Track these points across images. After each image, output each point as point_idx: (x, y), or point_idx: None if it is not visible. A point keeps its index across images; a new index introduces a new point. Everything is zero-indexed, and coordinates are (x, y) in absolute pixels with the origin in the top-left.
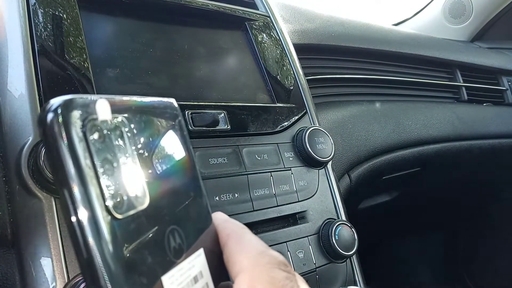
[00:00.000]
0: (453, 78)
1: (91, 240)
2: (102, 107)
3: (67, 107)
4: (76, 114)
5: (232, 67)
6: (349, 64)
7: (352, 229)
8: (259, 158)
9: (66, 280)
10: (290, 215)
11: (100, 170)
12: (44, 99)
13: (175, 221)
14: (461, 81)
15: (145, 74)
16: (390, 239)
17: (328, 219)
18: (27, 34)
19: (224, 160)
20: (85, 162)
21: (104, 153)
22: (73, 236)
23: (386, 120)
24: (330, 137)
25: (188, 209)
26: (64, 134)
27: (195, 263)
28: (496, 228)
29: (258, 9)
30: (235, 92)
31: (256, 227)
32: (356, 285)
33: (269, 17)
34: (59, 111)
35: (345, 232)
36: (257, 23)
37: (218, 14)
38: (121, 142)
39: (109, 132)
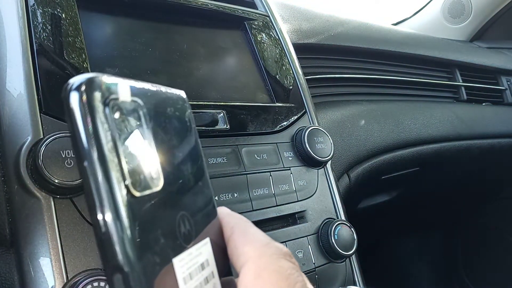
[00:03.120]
0: (453, 78)
1: (108, 215)
2: (123, 88)
3: (90, 85)
4: (99, 93)
5: (232, 66)
6: (349, 63)
7: (352, 229)
8: (259, 158)
9: (65, 280)
10: (290, 215)
11: (121, 148)
12: (43, 99)
13: (185, 207)
14: (461, 81)
15: (144, 73)
16: (389, 239)
17: (327, 218)
18: (26, 34)
19: (223, 160)
20: (107, 139)
21: (124, 133)
22: (92, 209)
23: (386, 119)
24: (330, 137)
25: (196, 197)
26: (87, 112)
27: (202, 251)
28: (496, 228)
29: (257, 9)
30: (234, 91)
31: None
32: (356, 285)
33: (268, 16)
34: (83, 88)
35: (344, 232)
36: (256, 23)
37: (217, 13)
38: (138, 124)
39: (128, 113)
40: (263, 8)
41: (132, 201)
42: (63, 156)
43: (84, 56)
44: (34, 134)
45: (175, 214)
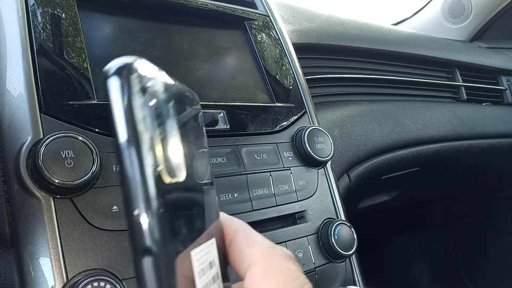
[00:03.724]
0: (452, 78)
1: (141, 197)
2: (159, 77)
3: (130, 70)
4: (137, 79)
5: (232, 66)
6: (349, 63)
7: (352, 228)
8: (259, 158)
9: (65, 280)
10: (290, 215)
11: (156, 135)
12: (43, 99)
13: (198, 203)
14: (460, 81)
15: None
16: (389, 239)
17: (327, 218)
18: (26, 34)
19: (223, 159)
20: (145, 124)
21: (159, 120)
22: (127, 191)
23: (385, 119)
24: (329, 137)
25: (207, 195)
26: (126, 96)
27: (210, 250)
28: (495, 228)
29: (257, 9)
30: (234, 91)
31: (255, 227)
32: (355, 285)
33: (268, 16)
34: (124, 73)
35: (344, 232)
36: (256, 23)
37: (217, 13)
38: (168, 114)
39: (160, 102)
40: (263, 8)
41: (163, 187)
42: (63, 156)
43: (84, 56)
44: (34, 134)
45: (192, 207)
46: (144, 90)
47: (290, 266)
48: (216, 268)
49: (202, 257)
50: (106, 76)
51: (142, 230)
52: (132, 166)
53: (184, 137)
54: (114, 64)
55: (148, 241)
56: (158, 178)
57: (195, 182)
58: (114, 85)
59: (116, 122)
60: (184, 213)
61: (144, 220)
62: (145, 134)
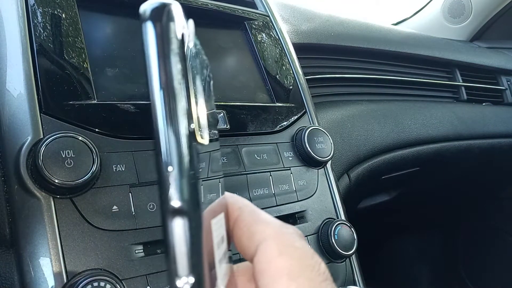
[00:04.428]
0: (453, 78)
1: (175, 154)
2: (192, 26)
3: (168, 15)
4: (173, 23)
5: (231, 66)
6: (349, 63)
7: (352, 228)
8: (259, 158)
9: (65, 280)
10: (290, 215)
11: (191, 87)
12: (43, 99)
13: (212, 172)
14: (461, 81)
15: (145, 73)
16: (389, 239)
17: (327, 218)
18: (26, 34)
19: (223, 159)
20: (181, 76)
21: (193, 74)
22: (160, 146)
23: (385, 119)
24: (330, 137)
25: (218, 164)
26: (164, 44)
27: (222, 224)
28: (495, 228)
29: (257, 9)
30: (234, 91)
31: None
32: (356, 285)
33: (268, 16)
34: (163, 20)
35: (344, 232)
36: (256, 23)
37: (217, 13)
38: (198, 70)
39: (193, 55)
40: (263, 8)
41: (193, 144)
42: (63, 156)
43: (84, 56)
44: (34, 134)
45: (208, 176)
46: (181, 40)
47: (304, 244)
48: (225, 244)
49: (218, 229)
50: (141, 19)
51: (176, 189)
52: (171, 120)
53: (207, 96)
54: (150, 5)
55: (180, 201)
56: (191, 136)
57: (212, 148)
58: (149, 30)
59: (152, 70)
60: (207, 177)
61: (178, 179)
62: (181, 90)
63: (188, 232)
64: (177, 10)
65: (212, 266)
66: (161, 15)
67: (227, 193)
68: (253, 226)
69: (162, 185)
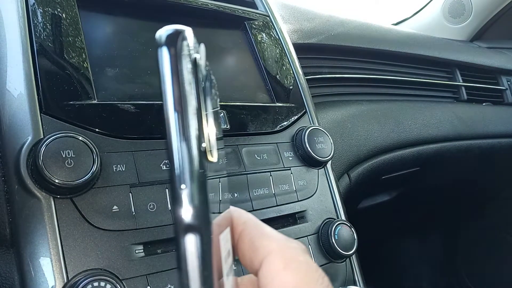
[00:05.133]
0: (453, 78)
1: (187, 170)
2: (203, 51)
3: (182, 41)
4: (186, 48)
5: (232, 66)
6: (349, 63)
7: (352, 228)
8: (259, 158)
9: (65, 280)
10: (290, 215)
11: (203, 109)
12: (43, 99)
13: (219, 188)
14: (461, 81)
15: (145, 73)
16: (389, 239)
17: (327, 218)
18: (26, 34)
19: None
20: (194, 98)
21: (204, 95)
22: (173, 163)
23: (386, 119)
24: (330, 137)
25: (224, 181)
26: (179, 68)
27: (228, 238)
28: (495, 228)
29: (257, 9)
30: (234, 91)
31: None
32: (356, 285)
33: (268, 16)
34: (178, 45)
35: (344, 232)
36: (256, 23)
37: (217, 13)
38: (208, 91)
39: (203, 77)
40: (263, 8)
41: (206, 164)
42: (64, 156)
43: (84, 56)
44: (34, 134)
45: (216, 193)
46: (195, 63)
47: (308, 258)
48: (231, 258)
49: (225, 243)
50: (156, 45)
51: (188, 206)
52: (185, 141)
53: (215, 115)
54: (165, 32)
55: (193, 217)
56: (203, 155)
57: (220, 165)
58: (164, 56)
59: (167, 93)
60: (216, 195)
61: (190, 196)
62: (194, 113)
63: (200, 248)
64: (189, 35)
65: (220, 279)
66: (175, 41)
67: (231, 207)
68: (258, 241)
69: (175, 201)
